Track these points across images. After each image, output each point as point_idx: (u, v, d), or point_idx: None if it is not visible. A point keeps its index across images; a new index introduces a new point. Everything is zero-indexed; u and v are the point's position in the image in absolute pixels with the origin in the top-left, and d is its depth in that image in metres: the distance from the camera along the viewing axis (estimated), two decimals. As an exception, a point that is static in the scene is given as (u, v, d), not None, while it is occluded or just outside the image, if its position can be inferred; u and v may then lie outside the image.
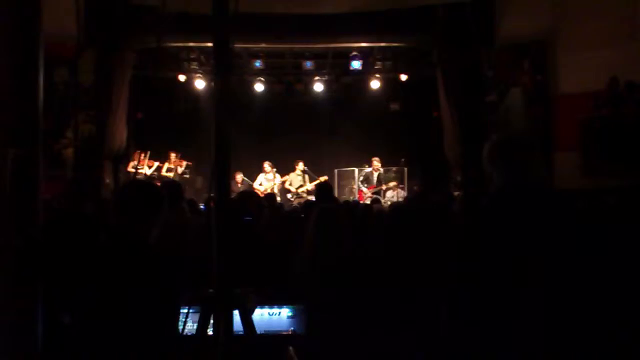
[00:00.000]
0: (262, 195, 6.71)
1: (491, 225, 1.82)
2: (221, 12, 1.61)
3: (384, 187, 10.28)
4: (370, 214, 4.61)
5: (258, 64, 10.58)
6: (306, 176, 10.63)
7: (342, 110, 11.80)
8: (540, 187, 1.90)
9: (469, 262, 1.80)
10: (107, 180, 9.19)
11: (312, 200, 6.45)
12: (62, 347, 1.96)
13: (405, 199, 8.99)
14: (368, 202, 8.39)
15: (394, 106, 12.01)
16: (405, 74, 10.75)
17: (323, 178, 9.91)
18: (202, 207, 5.95)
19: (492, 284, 1.72)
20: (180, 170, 10.49)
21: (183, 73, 10.68)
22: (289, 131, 11.63)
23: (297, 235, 3.41)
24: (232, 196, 3.79)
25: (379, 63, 10.78)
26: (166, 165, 10.45)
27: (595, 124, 7.90)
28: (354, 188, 10.95)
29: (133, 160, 9.84)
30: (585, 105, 7.97)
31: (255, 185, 10.39)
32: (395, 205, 5.06)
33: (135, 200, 2.17)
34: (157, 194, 2.25)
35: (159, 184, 7.25)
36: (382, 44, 10.24)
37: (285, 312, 2.67)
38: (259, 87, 11.33)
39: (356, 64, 10.56)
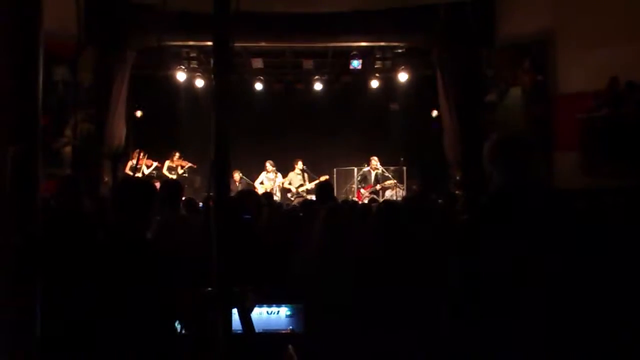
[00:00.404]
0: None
1: (491, 225, 1.82)
2: (222, 11, 1.61)
3: (378, 187, 10.26)
4: (370, 214, 4.61)
5: (258, 63, 10.59)
6: (305, 175, 10.63)
7: (342, 110, 11.80)
8: (540, 187, 1.89)
9: (469, 261, 1.80)
10: (106, 179, 9.20)
11: (310, 200, 6.44)
12: (61, 346, 1.95)
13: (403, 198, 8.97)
14: (366, 202, 8.38)
15: (394, 106, 12.02)
16: (405, 73, 10.75)
17: (324, 177, 9.91)
18: (201, 205, 5.94)
19: (492, 284, 1.72)
20: (180, 170, 10.48)
21: (183, 72, 10.68)
22: (288, 130, 11.63)
23: (295, 234, 3.41)
24: (231, 194, 3.79)
25: (379, 63, 10.79)
26: (167, 164, 10.45)
27: (595, 124, 7.91)
28: (352, 187, 10.95)
29: (132, 159, 9.84)
30: (585, 105, 7.98)
31: (256, 183, 10.40)
32: (386, 203, 5.05)
33: (130, 197, 2.17)
34: (150, 191, 2.25)
35: (158, 183, 7.26)
36: (382, 44, 10.24)
37: (283, 311, 2.67)
38: (258, 86, 11.33)
39: (356, 64, 10.56)
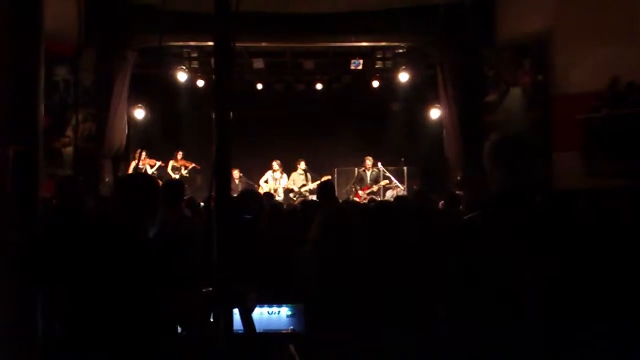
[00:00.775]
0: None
1: (491, 225, 1.82)
2: (223, 11, 1.61)
3: (375, 187, 10.24)
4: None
5: (259, 63, 10.60)
6: (308, 175, 10.63)
7: (343, 110, 11.80)
8: (540, 187, 1.90)
9: (469, 261, 1.80)
10: (107, 179, 9.20)
11: (310, 200, 6.44)
12: (62, 345, 1.96)
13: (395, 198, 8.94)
14: (366, 202, 8.37)
15: (394, 106, 12.02)
16: (406, 74, 10.75)
17: (325, 177, 9.91)
18: (202, 205, 5.94)
19: (492, 284, 1.72)
20: (184, 171, 10.49)
21: (184, 72, 10.68)
22: (288, 130, 11.63)
23: (297, 234, 3.41)
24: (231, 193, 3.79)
25: (379, 63, 10.79)
26: (171, 164, 10.45)
27: (595, 124, 7.89)
28: (353, 187, 10.95)
29: (134, 159, 9.84)
30: (585, 105, 7.96)
31: (261, 182, 10.40)
32: (377, 203, 5.05)
33: (131, 193, 2.14)
34: (153, 186, 2.22)
35: (160, 182, 7.25)
36: (382, 44, 10.24)
37: (284, 310, 2.67)
38: (258, 86, 11.34)
39: (356, 64, 10.56)
